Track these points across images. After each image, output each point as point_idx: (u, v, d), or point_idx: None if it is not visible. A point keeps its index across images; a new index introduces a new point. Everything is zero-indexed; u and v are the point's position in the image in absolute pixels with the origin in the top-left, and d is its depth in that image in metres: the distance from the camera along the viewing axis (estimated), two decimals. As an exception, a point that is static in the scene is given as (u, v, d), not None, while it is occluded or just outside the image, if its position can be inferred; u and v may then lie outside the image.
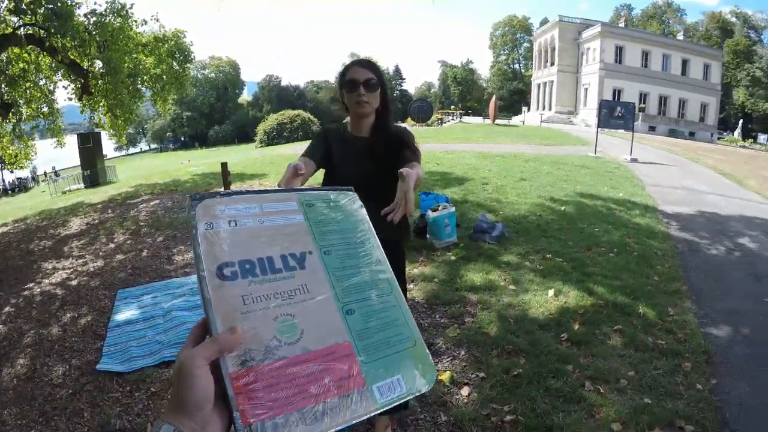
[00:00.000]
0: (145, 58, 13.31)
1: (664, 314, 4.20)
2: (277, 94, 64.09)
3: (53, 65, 12.20)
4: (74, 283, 5.49)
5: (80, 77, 11.75)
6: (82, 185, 17.50)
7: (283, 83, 67.63)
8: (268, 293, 0.67)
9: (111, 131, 13.78)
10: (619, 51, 43.52)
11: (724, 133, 46.05)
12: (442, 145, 17.98)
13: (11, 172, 38.45)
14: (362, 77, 2.13)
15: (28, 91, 12.14)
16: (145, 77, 13.39)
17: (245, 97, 67.97)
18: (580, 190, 10.07)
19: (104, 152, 21.06)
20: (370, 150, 2.21)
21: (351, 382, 0.65)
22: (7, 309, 4.97)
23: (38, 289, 5.38)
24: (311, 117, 36.59)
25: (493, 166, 12.60)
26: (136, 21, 12.71)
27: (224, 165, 7.28)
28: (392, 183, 1.63)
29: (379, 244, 0.83)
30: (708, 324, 4.13)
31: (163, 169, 20.05)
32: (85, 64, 11.60)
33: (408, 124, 37.25)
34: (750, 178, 14.72)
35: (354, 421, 0.63)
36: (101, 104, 12.46)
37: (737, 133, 44.71)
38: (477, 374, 3.22)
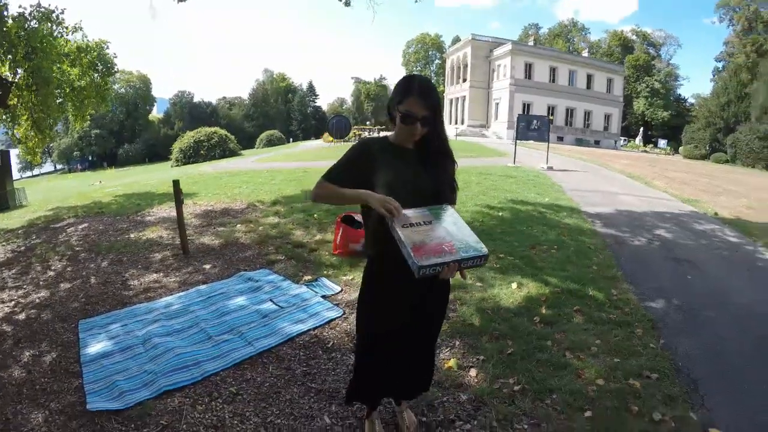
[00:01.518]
0: (69, 69, 12.20)
1: (609, 295, 5.04)
2: (189, 111, 61.66)
3: None
4: (21, 317, 4.81)
5: (-2, 87, 10.56)
6: (-10, 209, 15.72)
7: (196, 99, 65.26)
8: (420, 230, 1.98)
9: (23, 150, 12.52)
10: (529, 67, 47.17)
11: (626, 140, 50.28)
12: None
13: None
14: (420, 113, 2.15)
15: None
16: (67, 90, 12.28)
17: (156, 114, 64.69)
18: (510, 197, 10.94)
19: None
20: (420, 160, 2.26)
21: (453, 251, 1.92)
22: (-57, 355, 4.23)
23: None
24: (228, 134, 35.44)
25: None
26: (66, 28, 11.65)
27: (176, 183, 6.89)
28: (439, 189, 2.21)
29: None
30: (646, 300, 5.02)
31: (77, 191, 18.49)
32: (4, 71, 10.46)
33: (326, 141, 37.15)
34: (656, 179, 17.05)
35: (456, 258, 1.91)
36: (23, 118, 11.25)
37: (638, 139, 49.60)
38: (477, 357, 3.74)
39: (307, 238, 7.17)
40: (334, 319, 4.56)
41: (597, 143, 45.42)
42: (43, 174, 54.18)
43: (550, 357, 3.70)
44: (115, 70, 14.42)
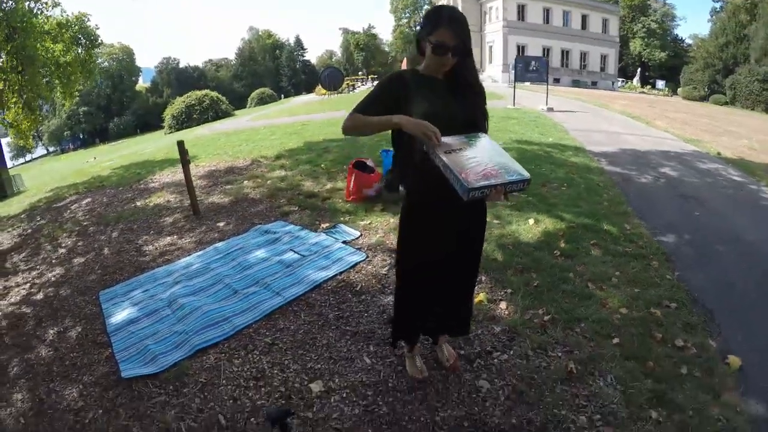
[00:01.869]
0: (52, 45, 11.73)
1: (623, 230, 5.12)
2: (176, 77, 59.96)
3: None
4: (39, 296, 4.68)
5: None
6: (-13, 199, 15.51)
7: (182, 65, 63.55)
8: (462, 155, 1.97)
9: (14, 134, 12.21)
10: (521, 9, 45.61)
11: (624, 81, 49.04)
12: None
13: None
14: (452, 42, 2.11)
15: None
16: (52, 68, 11.83)
17: (143, 83, 63.19)
18: (514, 137, 10.89)
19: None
20: (451, 90, 2.22)
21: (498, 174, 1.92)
22: (-34, 344, 4.12)
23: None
24: (219, 96, 34.65)
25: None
26: (45, 4, 11.15)
27: (180, 143, 6.59)
28: (473, 118, 2.23)
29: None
30: (658, 234, 5.11)
31: (74, 169, 18.20)
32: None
33: (318, 94, 36.26)
34: (657, 119, 17.08)
35: (502, 182, 1.91)
36: (12, 101, 10.89)
37: (636, 80, 48.11)
38: (505, 291, 3.79)
39: (317, 188, 6.95)
40: (359, 263, 4.41)
41: (594, 84, 44.16)
42: (35, 159, 53.15)
43: (574, 288, 3.78)
44: (99, 41, 13.91)
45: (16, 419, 2.92)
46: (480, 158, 1.97)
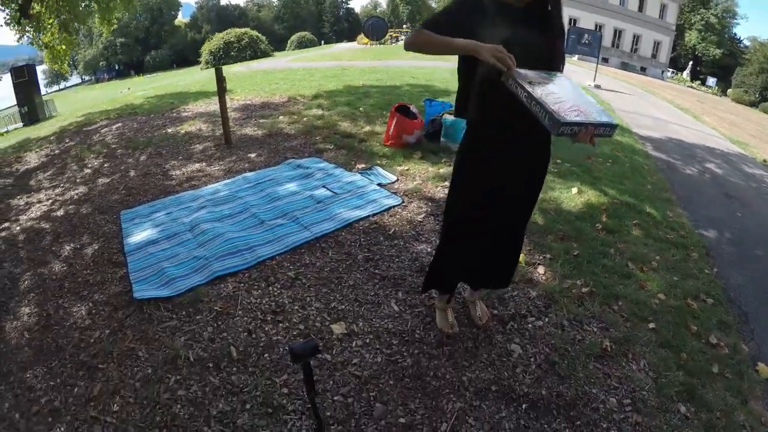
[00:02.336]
0: None
1: (665, 216, 4.85)
2: (216, 14, 59.02)
3: None
4: (60, 213, 4.49)
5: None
6: (20, 124, 15.59)
7: (223, 2, 62.48)
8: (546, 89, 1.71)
9: (49, 58, 12.05)
10: None
11: (674, 72, 46.05)
12: (410, 62, 17.11)
13: None
14: None
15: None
16: None
17: (182, 19, 62.51)
18: None
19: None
20: (530, 23, 1.93)
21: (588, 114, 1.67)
22: (-18, 254, 3.97)
23: (17, 228, 4.34)
24: (259, 35, 34.04)
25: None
26: None
27: (218, 69, 6.28)
28: (552, 55, 1.97)
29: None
30: (699, 227, 4.88)
31: (108, 98, 18.15)
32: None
33: (360, 43, 35.32)
34: (705, 115, 16.53)
35: (592, 122, 1.66)
36: (49, 21, 10.68)
37: (686, 73, 44.72)
38: (544, 255, 3.55)
39: (355, 129, 6.57)
40: (394, 207, 4.08)
41: (643, 70, 40.96)
42: (70, 87, 53.49)
43: (614, 264, 3.57)
44: None
45: (20, 333, 2.74)
46: (564, 96, 1.72)
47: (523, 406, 2.24)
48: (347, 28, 62.82)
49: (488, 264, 2.36)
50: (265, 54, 32.18)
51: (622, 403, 2.30)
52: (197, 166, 5.42)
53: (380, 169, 4.94)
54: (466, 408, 2.19)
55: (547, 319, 2.84)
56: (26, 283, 3.30)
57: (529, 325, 2.78)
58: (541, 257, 3.51)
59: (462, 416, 2.15)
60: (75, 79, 58.80)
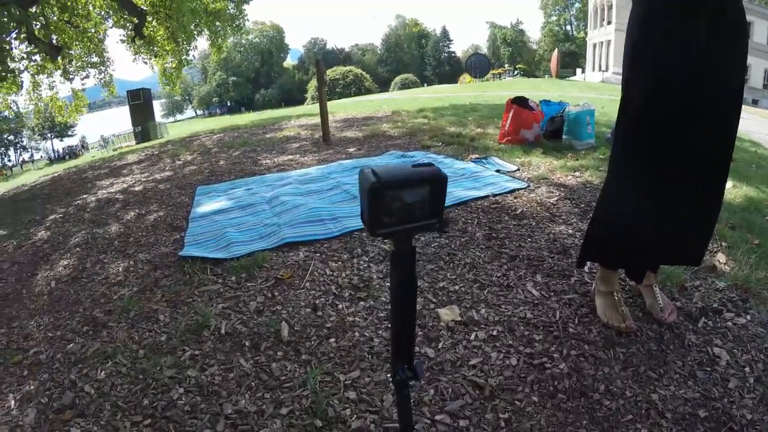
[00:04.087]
0: None
1: None
2: (323, 57, 62.03)
3: (102, 12, 11.15)
4: (137, 188, 4.13)
5: (134, 16, 10.54)
6: (133, 142, 16.50)
7: (329, 46, 65.60)
8: None
9: (163, 80, 12.63)
10: None
11: None
12: (515, 93, 16.58)
13: (61, 140, 38.86)
14: None
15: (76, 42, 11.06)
16: (201, 14, 12.06)
17: (290, 61, 66.30)
18: None
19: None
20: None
21: None
22: (52, 217, 3.66)
23: (93, 198, 4.05)
24: (363, 73, 34.93)
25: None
26: None
27: (318, 61, 5.87)
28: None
29: None
30: None
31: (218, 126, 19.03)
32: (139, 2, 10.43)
33: (462, 82, 35.21)
34: None
35: None
36: (159, 33, 11.18)
37: None
38: (720, 243, 2.72)
39: (464, 131, 5.82)
40: (518, 189, 3.23)
41: (755, 103, 35.36)
42: (183, 120, 57.83)
43: None
44: None
45: (47, 282, 2.29)
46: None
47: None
48: (449, 71, 63.11)
49: (678, 222, 1.63)
50: (369, 91, 32.84)
51: None
52: (290, 157, 4.91)
53: (497, 159, 4.13)
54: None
55: (749, 316, 1.95)
56: (78, 239, 2.92)
57: (729, 323, 1.89)
58: (716, 244, 2.68)
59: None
60: (189, 112, 63.55)
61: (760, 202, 3.75)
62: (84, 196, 4.22)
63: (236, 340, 1.63)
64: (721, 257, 2.48)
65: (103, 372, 1.49)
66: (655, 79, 1.50)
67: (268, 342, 1.62)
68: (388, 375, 1.46)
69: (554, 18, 62.12)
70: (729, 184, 3.88)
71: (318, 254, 2.26)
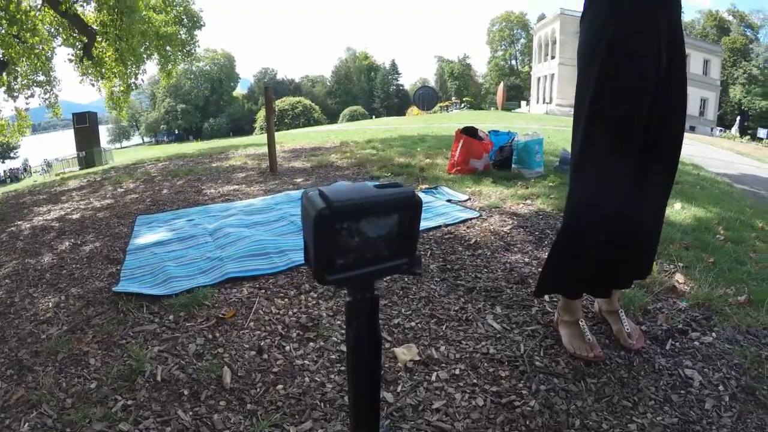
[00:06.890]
0: (154, 15, 11.76)
1: None
2: (273, 87, 62.05)
3: (52, 29, 10.83)
4: (75, 216, 3.92)
5: (84, 35, 10.25)
6: (77, 168, 15.82)
7: (279, 77, 65.51)
8: None
9: (110, 104, 12.26)
10: None
11: (722, 130, 44.61)
12: (464, 124, 17.09)
13: (2, 161, 37.02)
14: None
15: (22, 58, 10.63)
16: (152, 36, 11.84)
17: (240, 91, 65.76)
18: None
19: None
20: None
21: None
22: (-22, 246, 3.40)
23: (28, 225, 3.83)
24: (313, 104, 35.05)
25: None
26: None
27: (267, 87, 5.80)
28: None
29: None
30: None
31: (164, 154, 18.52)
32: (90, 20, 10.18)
33: (410, 115, 35.87)
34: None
35: None
36: (108, 54, 10.90)
37: (734, 129, 42.90)
38: (675, 264, 2.84)
39: (413, 161, 5.87)
40: (470, 219, 3.25)
41: (692, 129, 39.38)
42: (129, 147, 56.24)
43: (759, 273, 2.81)
44: (202, 23, 13.89)
45: None
46: None
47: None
48: (397, 103, 64.16)
49: (628, 243, 1.70)
50: (318, 122, 32.91)
51: None
52: (235, 187, 4.80)
53: (447, 188, 4.16)
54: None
55: (714, 334, 2.01)
56: (7, 269, 2.73)
57: (696, 342, 1.93)
58: (672, 265, 2.79)
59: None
60: (136, 139, 61.88)
61: (708, 222, 3.96)
62: (18, 222, 3.98)
63: (174, 388, 1.51)
64: (679, 277, 2.59)
65: (27, 424, 1.34)
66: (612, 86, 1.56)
67: (209, 390, 1.51)
68: (345, 426, 1.38)
69: (500, 53, 64.62)
70: (678, 205, 4.25)
71: (263, 290, 2.17)
